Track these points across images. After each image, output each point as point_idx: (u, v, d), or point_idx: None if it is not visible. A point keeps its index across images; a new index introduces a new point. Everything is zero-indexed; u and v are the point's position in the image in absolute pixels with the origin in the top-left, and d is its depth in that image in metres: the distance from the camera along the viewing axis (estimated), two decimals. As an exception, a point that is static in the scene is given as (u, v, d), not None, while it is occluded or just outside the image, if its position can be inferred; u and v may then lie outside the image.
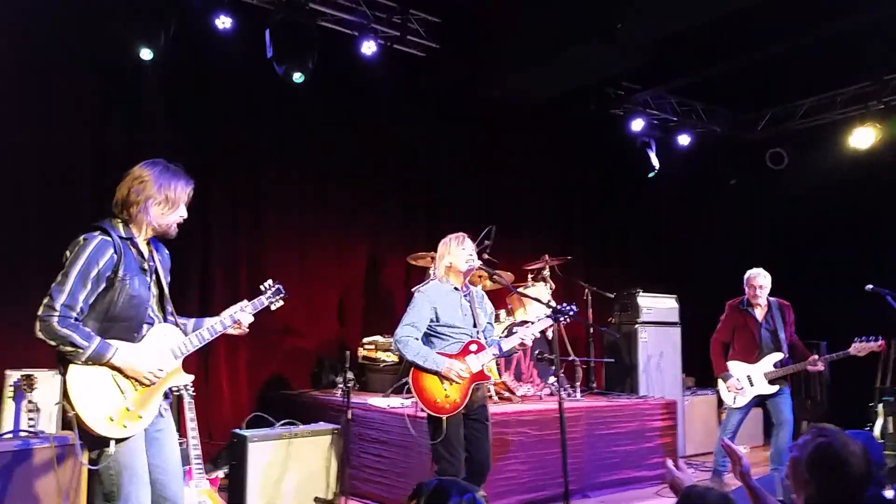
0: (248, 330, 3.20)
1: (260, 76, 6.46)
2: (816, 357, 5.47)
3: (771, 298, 5.67)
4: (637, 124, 8.46)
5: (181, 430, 5.20)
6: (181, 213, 3.00)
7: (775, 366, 5.49)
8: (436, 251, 4.34)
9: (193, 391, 4.39)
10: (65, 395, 2.74)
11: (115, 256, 2.81)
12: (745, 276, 5.69)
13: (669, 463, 2.66)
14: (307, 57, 6.27)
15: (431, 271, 6.16)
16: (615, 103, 8.51)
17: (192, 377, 3.11)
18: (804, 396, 8.82)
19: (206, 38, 6.18)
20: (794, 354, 5.55)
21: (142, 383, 2.85)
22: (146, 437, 2.93)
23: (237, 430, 4.67)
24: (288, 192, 7.05)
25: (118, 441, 2.78)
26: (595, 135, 8.72)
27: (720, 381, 5.65)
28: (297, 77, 6.29)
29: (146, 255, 2.97)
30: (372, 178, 7.55)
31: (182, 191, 2.98)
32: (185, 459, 4.30)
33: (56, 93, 5.74)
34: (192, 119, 6.43)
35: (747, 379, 5.52)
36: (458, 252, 4.13)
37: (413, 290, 4.29)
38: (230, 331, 3.18)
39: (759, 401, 5.60)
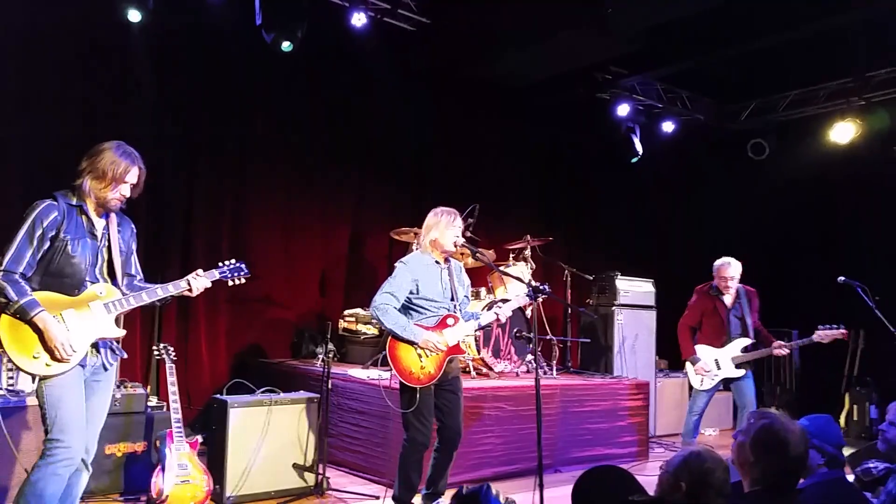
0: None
1: (248, 44, 6.39)
2: (782, 343, 5.64)
3: (738, 285, 5.78)
4: (623, 109, 8.50)
5: (162, 393, 5.27)
6: (122, 191, 3.22)
7: (743, 350, 5.63)
8: (419, 227, 4.37)
9: (175, 356, 4.45)
10: None
11: (59, 218, 3.11)
12: (715, 266, 5.78)
13: None
14: (296, 26, 6.20)
15: (414, 246, 6.21)
16: (602, 87, 8.54)
17: (123, 332, 3.31)
18: (773, 383, 9.03)
19: (194, 2, 6.10)
20: (759, 339, 5.70)
21: (53, 353, 3.00)
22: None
23: (217, 396, 4.71)
24: (272, 163, 7.01)
25: (42, 378, 3.04)
26: (581, 118, 8.75)
27: (688, 364, 5.79)
28: (286, 46, 6.22)
29: (97, 223, 3.23)
30: (357, 151, 7.54)
31: (122, 170, 3.20)
32: (166, 423, 4.36)
33: (36, 55, 5.60)
34: (178, 86, 6.36)
35: (715, 363, 5.66)
36: (447, 231, 4.16)
37: (396, 263, 4.33)
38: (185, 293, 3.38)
39: (724, 384, 5.75)
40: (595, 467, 2.40)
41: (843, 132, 8.07)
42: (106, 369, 3.26)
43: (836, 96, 8.45)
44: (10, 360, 3.08)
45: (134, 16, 5.73)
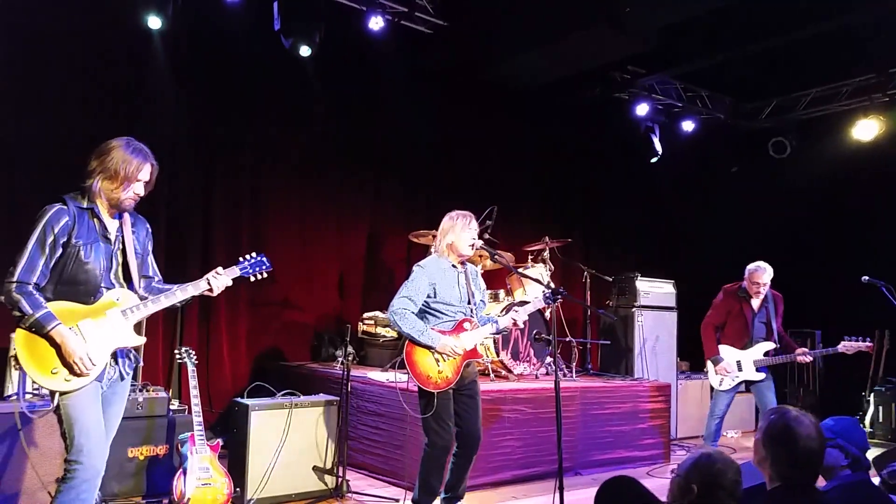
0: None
1: (266, 49, 6.44)
2: (806, 350, 5.57)
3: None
4: (642, 109, 8.45)
5: (183, 397, 5.32)
6: (136, 190, 3.10)
7: (766, 355, 5.58)
8: (437, 229, 4.37)
9: (196, 359, 4.49)
10: (16, 351, 2.96)
11: (70, 223, 2.98)
12: (748, 270, 5.66)
13: None
14: (314, 30, 6.26)
15: (433, 249, 6.22)
16: (620, 87, 8.49)
17: (143, 339, 3.21)
18: (797, 385, 8.92)
19: (214, 8, 6.16)
20: (781, 345, 5.64)
21: (72, 367, 2.91)
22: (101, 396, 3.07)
23: (238, 399, 4.74)
24: (290, 166, 7.05)
25: (63, 393, 2.93)
26: (600, 118, 8.72)
27: (709, 363, 5.74)
28: (304, 51, 6.29)
29: (110, 225, 3.11)
30: (375, 154, 7.56)
31: (134, 168, 3.05)
32: (188, 426, 4.40)
33: (47, 56, 5.60)
34: (196, 90, 6.42)
35: (736, 364, 5.61)
36: (463, 234, 4.15)
37: (413, 266, 4.33)
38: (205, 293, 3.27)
39: (745, 386, 5.70)
40: (612, 478, 2.39)
41: (866, 129, 7.96)
42: (123, 379, 3.16)
43: (858, 93, 8.34)
44: (30, 378, 2.97)
45: (154, 22, 5.81)
